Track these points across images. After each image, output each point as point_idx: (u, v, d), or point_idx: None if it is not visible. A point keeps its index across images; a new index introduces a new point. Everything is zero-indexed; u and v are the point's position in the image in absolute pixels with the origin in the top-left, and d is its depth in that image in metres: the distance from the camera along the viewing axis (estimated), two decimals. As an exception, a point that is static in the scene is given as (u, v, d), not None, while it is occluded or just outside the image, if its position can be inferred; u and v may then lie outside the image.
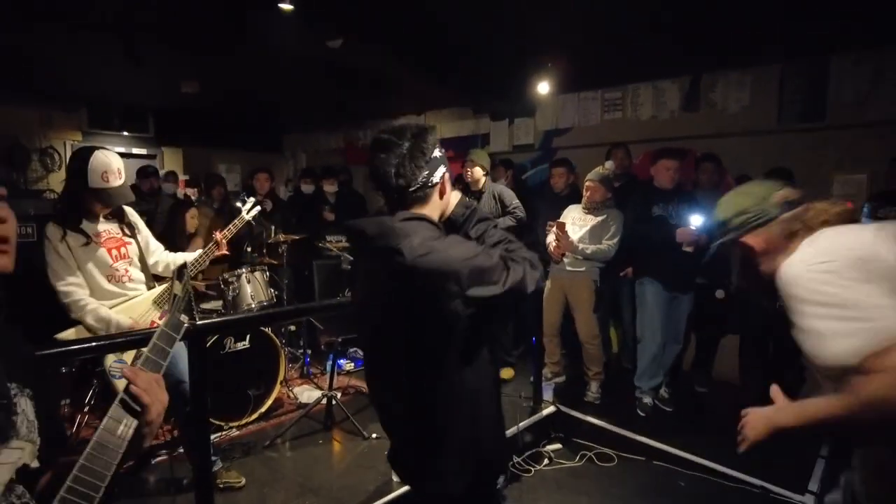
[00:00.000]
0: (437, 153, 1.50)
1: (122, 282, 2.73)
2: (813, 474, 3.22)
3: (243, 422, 3.75)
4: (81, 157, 2.51)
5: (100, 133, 7.04)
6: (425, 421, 1.53)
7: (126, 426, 0.98)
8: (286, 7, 2.93)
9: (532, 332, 4.45)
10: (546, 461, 3.70)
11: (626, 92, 5.48)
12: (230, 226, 3.18)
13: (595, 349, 4.31)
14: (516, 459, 3.65)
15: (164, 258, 2.98)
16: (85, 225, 2.61)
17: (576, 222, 4.31)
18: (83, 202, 2.57)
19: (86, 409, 3.65)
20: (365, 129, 7.96)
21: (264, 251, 4.82)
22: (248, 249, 4.49)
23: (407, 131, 1.49)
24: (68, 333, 2.58)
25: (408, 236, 1.38)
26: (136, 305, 2.74)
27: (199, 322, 2.11)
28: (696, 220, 3.77)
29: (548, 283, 4.31)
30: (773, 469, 3.24)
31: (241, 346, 3.76)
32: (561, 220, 4.32)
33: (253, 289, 3.99)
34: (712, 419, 4.18)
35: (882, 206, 3.41)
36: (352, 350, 5.37)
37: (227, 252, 3.09)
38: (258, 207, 3.40)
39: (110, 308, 2.63)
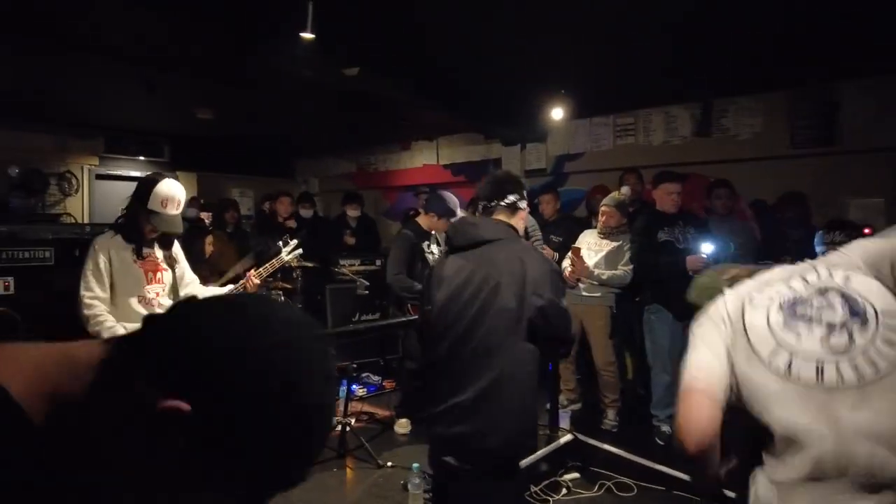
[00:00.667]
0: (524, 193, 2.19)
1: (151, 306, 2.74)
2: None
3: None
4: (151, 180, 2.66)
5: (117, 158, 7.13)
6: (491, 382, 1.88)
7: None
8: (307, 36, 2.97)
9: (547, 358, 4.41)
10: (564, 491, 3.61)
11: (638, 117, 5.52)
12: (266, 265, 3.13)
13: (611, 376, 4.26)
14: (533, 489, 3.58)
15: (196, 291, 2.99)
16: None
17: (591, 248, 4.30)
18: (137, 221, 2.68)
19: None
20: (376, 155, 8.02)
21: (278, 275, 4.82)
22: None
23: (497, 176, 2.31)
24: None
25: (497, 234, 2.02)
26: None
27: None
28: (706, 248, 3.75)
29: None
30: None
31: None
32: (576, 244, 4.32)
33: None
34: (731, 447, 4.10)
35: (829, 232, 3.47)
36: (364, 375, 5.34)
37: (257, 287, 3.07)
38: (299, 251, 3.27)
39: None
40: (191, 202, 6.43)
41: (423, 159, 7.41)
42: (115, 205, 7.62)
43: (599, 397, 4.34)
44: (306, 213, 6.38)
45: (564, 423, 4.20)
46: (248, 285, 2.99)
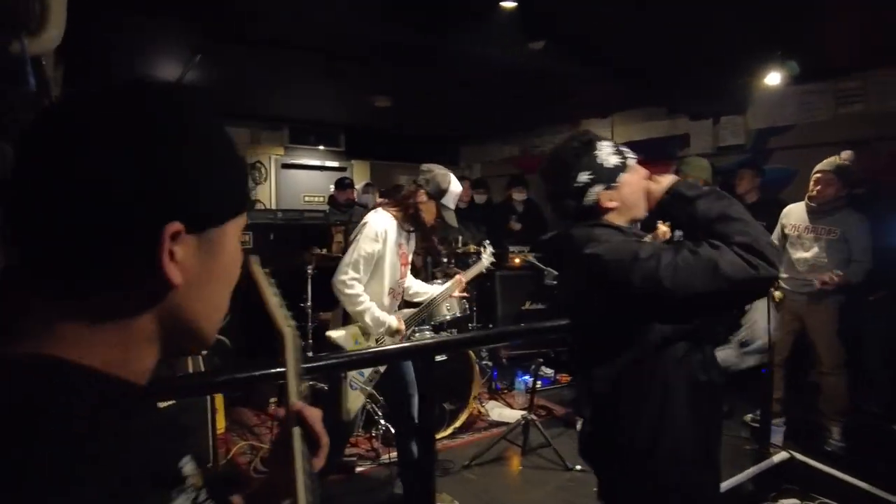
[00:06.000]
0: (605, 160, 1.48)
1: (395, 299, 2.75)
2: None
3: (438, 436, 3.68)
4: (443, 176, 2.67)
5: (299, 147, 7.66)
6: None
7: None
8: (508, 5, 2.78)
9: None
10: (783, 520, 3.12)
11: (866, 80, 4.59)
12: (471, 270, 3.26)
13: (838, 380, 3.59)
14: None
15: (414, 282, 3.04)
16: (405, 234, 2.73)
17: (801, 234, 3.64)
18: (424, 213, 2.68)
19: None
20: (542, 136, 7.71)
21: (453, 261, 4.79)
22: (445, 260, 4.48)
23: (557, 153, 1.54)
24: (340, 335, 2.64)
25: (591, 241, 1.39)
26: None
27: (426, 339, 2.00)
28: None
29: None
30: None
31: (438, 358, 3.70)
32: (781, 223, 3.72)
33: (448, 300, 3.93)
34: None
35: None
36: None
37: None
38: (493, 259, 3.39)
39: None
40: (366, 188, 6.69)
41: (594, 139, 6.96)
42: (298, 192, 8.15)
43: (821, 410, 3.70)
44: (480, 198, 6.39)
45: (776, 438, 3.65)
46: (457, 286, 3.08)
